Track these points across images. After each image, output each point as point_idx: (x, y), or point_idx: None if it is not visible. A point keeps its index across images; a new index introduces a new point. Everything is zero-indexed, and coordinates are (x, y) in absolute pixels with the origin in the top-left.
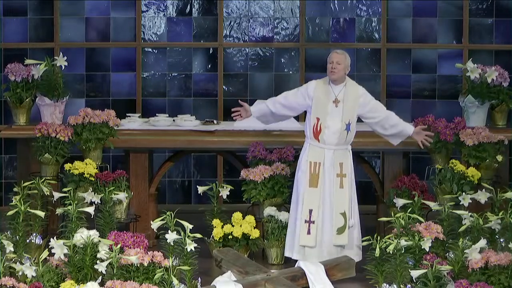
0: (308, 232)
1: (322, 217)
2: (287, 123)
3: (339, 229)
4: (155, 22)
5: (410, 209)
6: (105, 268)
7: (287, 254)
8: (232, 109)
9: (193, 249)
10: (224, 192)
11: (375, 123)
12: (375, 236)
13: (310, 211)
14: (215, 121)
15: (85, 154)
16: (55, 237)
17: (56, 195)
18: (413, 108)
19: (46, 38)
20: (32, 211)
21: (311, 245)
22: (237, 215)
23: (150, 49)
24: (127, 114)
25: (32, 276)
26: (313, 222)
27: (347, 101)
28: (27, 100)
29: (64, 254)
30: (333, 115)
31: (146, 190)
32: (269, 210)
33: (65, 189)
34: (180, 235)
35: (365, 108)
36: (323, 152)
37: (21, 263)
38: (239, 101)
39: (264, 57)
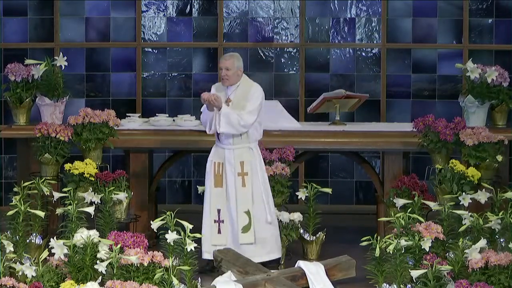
0: (219, 231)
1: (229, 216)
2: (287, 123)
3: (244, 227)
4: (155, 22)
5: (410, 209)
6: (105, 268)
7: (204, 256)
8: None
9: (193, 249)
10: None
11: None
12: (375, 236)
13: (218, 210)
14: None
15: (85, 154)
16: (55, 237)
17: (56, 195)
18: (413, 108)
19: (46, 38)
20: (32, 211)
21: (223, 244)
22: None
23: (150, 49)
24: (127, 114)
25: (32, 276)
26: (223, 222)
27: (237, 100)
28: (27, 100)
29: (64, 254)
30: None
31: (146, 190)
32: None
33: (65, 189)
34: (180, 235)
35: None
36: (224, 152)
37: (21, 263)
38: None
39: (264, 57)
